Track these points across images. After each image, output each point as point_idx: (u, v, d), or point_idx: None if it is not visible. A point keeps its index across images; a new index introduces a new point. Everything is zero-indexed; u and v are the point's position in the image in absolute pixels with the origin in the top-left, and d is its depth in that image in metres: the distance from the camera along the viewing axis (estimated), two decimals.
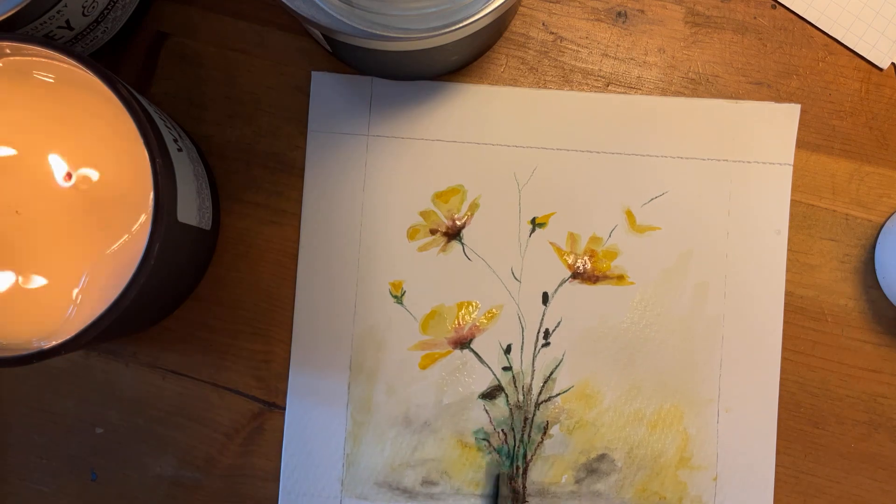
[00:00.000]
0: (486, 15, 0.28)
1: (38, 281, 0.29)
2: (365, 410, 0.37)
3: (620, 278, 0.37)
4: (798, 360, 0.37)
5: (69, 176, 0.29)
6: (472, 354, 0.37)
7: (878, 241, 0.37)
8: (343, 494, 0.36)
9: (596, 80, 0.38)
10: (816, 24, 0.38)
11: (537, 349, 0.37)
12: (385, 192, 0.37)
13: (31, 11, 0.29)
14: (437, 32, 0.28)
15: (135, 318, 0.32)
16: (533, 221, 0.37)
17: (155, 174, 0.27)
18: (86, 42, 0.34)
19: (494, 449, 0.37)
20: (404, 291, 0.37)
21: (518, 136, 0.37)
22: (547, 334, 0.37)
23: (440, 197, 0.37)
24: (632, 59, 0.38)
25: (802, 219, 0.38)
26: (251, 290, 0.37)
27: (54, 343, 0.27)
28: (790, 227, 0.37)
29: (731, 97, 0.38)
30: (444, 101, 0.37)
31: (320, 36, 0.32)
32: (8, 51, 0.28)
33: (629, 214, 0.37)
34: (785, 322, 0.37)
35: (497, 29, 0.36)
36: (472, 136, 0.37)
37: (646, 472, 0.37)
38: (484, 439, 0.37)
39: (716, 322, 0.37)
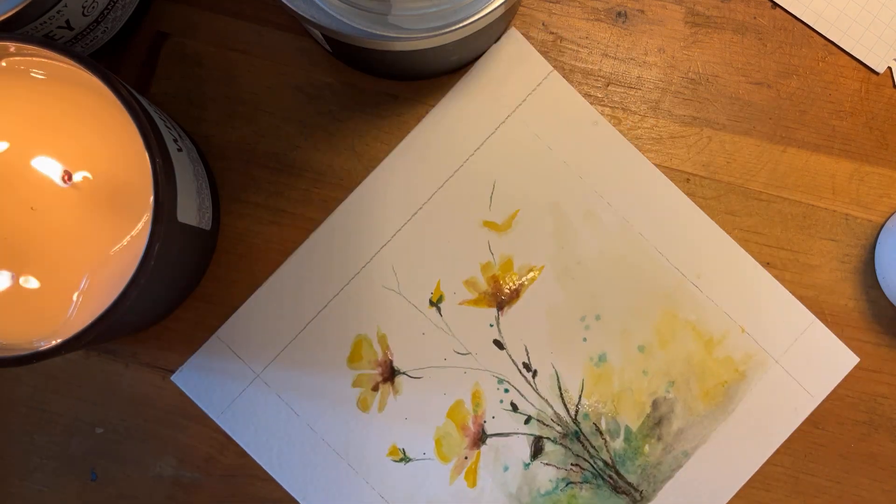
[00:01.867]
0: (486, 15, 0.28)
1: (38, 281, 0.29)
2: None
3: (531, 272, 0.37)
4: None
5: (68, 176, 0.29)
6: (495, 439, 0.36)
7: (878, 241, 0.37)
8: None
9: (596, 80, 0.38)
10: (814, 27, 0.38)
11: (533, 384, 0.37)
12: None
13: (31, 11, 0.29)
14: (437, 32, 0.28)
15: (135, 318, 0.32)
16: (431, 302, 0.37)
17: (155, 174, 0.27)
18: (86, 42, 0.34)
19: (582, 482, 0.36)
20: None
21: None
22: (528, 366, 0.37)
23: (351, 358, 0.37)
24: (632, 59, 0.38)
25: (802, 219, 0.38)
26: (251, 290, 0.37)
27: (54, 343, 0.27)
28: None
29: (731, 97, 0.38)
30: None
31: (320, 36, 0.32)
32: (12, 49, 0.28)
33: (488, 223, 0.37)
34: None
35: (497, 29, 0.36)
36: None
37: (695, 380, 0.36)
38: (568, 484, 0.36)
39: (628, 230, 0.37)
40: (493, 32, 0.36)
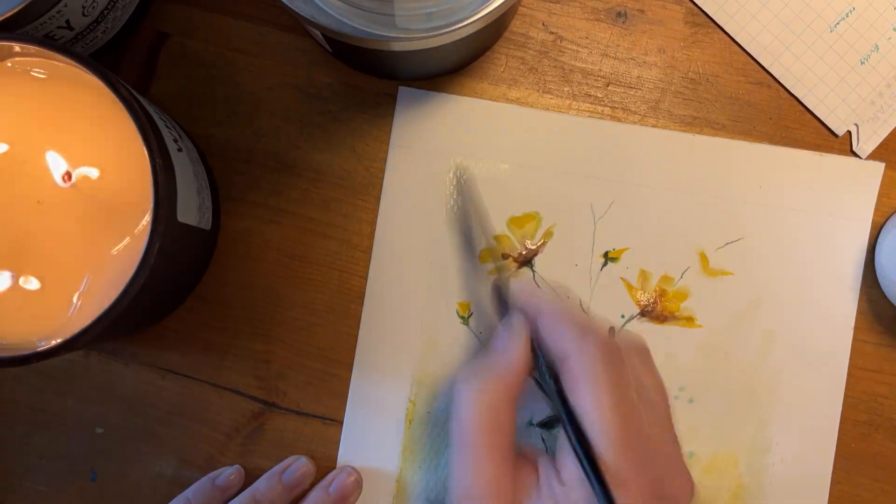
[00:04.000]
0: (486, 15, 0.28)
1: (39, 281, 0.29)
2: (422, 427, 0.36)
3: (689, 320, 0.37)
4: None
5: (69, 176, 0.29)
6: (533, 383, 0.36)
7: (878, 241, 0.37)
8: None
9: (596, 80, 0.38)
10: (780, 80, 0.37)
11: None
12: (462, 213, 0.37)
13: (31, 11, 0.29)
14: (437, 32, 0.28)
15: (135, 318, 0.32)
16: (606, 255, 0.37)
17: (155, 174, 0.27)
18: (86, 42, 0.34)
19: None
20: (471, 313, 0.37)
21: (598, 168, 0.37)
22: None
23: (515, 222, 0.37)
24: (632, 59, 0.38)
25: None
26: (251, 290, 0.37)
27: (54, 343, 0.27)
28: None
29: (731, 97, 0.38)
30: (527, 127, 0.37)
31: (320, 36, 0.32)
32: (17, 49, 0.28)
33: (703, 257, 0.37)
34: None
35: (497, 29, 0.36)
36: (552, 164, 0.37)
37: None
38: None
39: (779, 373, 0.37)
40: (493, 32, 0.36)
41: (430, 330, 0.37)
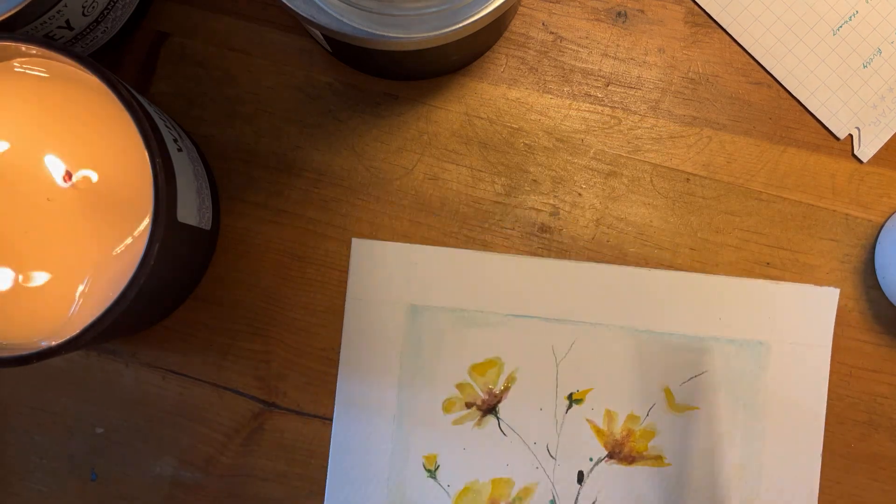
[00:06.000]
0: (486, 15, 0.28)
1: (39, 281, 0.29)
2: None
3: (657, 459, 0.37)
4: None
5: (69, 176, 0.29)
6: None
7: (878, 241, 0.37)
8: None
9: (596, 80, 0.38)
10: (783, 83, 0.37)
11: None
12: (422, 363, 0.37)
13: (31, 11, 0.29)
14: (437, 32, 0.28)
15: (135, 318, 0.32)
16: (570, 397, 0.37)
17: (155, 174, 0.27)
18: (86, 42, 0.34)
19: None
20: (438, 465, 0.36)
21: (557, 308, 0.37)
22: None
23: (476, 369, 0.37)
24: (632, 59, 0.38)
25: (802, 219, 0.38)
26: (251, 290, 0.37)
27: (55, 343, 0.27)
28: None
29: (731, 97, 0.38)
30: (484, 271, 0.37)
31: (320, 36, 0.32)
32: (22, 49, 0.28)
33: (668, 392, 0.37)
34: None
35: (497, 29, 0.36)
36: (511, 307, 0.37)
37: None
38: None
39: None
40: (493, 32, 0.36)
41: (397, 487, 0.36)
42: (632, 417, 0.37)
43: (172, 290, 0.35)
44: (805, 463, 0.37)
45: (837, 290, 0.37)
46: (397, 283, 0.37)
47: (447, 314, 0.37)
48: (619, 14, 0.38)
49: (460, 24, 0.28)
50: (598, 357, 0.37)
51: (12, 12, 0.28)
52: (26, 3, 0.28)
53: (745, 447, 0.37)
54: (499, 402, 0.37)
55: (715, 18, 0.38)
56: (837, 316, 0.38)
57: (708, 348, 0.37)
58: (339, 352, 0.37)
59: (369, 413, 0.37)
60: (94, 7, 0.32)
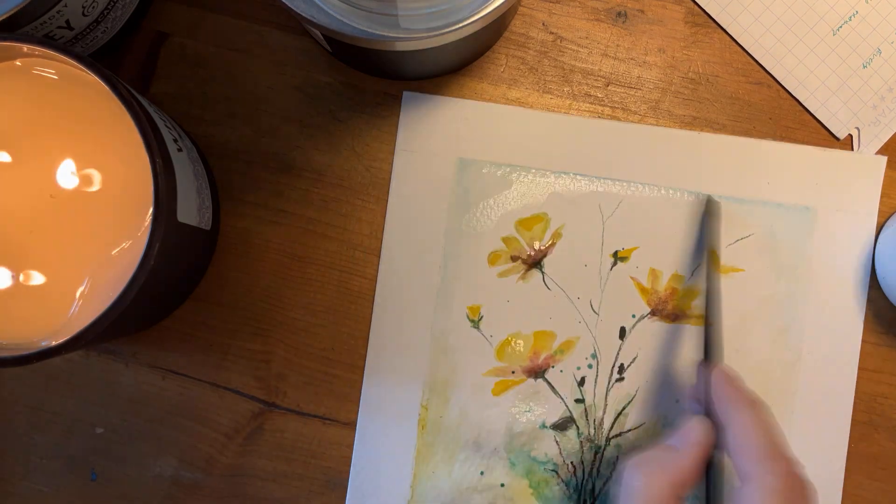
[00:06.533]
0: (486, 15, 0.28)
1: (39, 281, 0.29)
2: (435, 431, 0.36)
3: (700, 318, 0.37)
4: None
5: (69, 176, 0.29)
6: (545, 384, 0.36)
7: (879, 241, 0.37)
8: None
9: (596, 79, 0.38)
10: (782, 83, 0.37)
11: (611, 383, 0.36)
12: (469, 215, 0.37)
13: (31, 11, 0.29)
14: (437, 32, 0.28)
15: (135, 318, 0.32)
16: (615, 255, 0.37)
17: (155, 174, 0.27)
18: (86, 42, 0.34)
19: (563, 481, 0.36)
20: (482, 316, 0.37)
21: (605, 167, 0.37)
22: (622, 369, 0.37)
23: (523, 224, 0.37)
24: (632, 59, 0.38)
25: None
26: (251, 290, 0.37)
27: (55, 343, 0.27)
28: None
29: (731, 97, 0.38)
30: (535, 128, 0.37)
31: (320, 36, 0.32)
32: (25, 49, 0.28)
33: (713, 254, 0.37)
34: None
35: (497, 29, 0.36)
36: (559, 164, 0.37)
37: None
38: (553, 470, 0.36)
39: (791, 368, 0.37)
40: (493, 32, 0.36)
41: (441, 334, 0.37)
42: (676, 277, 0.37)
43: (172, 290, 0.35)
44: (846, 327, 0.37)
45: (884, 158, 0.37)
46: (447, 136, 0.37)
47: (495, 168, 0.37)
48: (619, 14, 0.38)
49: (460, 25, 0.28)
50: (645, 217, 0.37)
51: (12, 12, 0.28)
52: (26, 2, 0.28)
53: (788, 310, 0.37)
54: (544, 256, 0.37)
55: (715, 18, 0.38)
56: None
57: (754, 212, 0.37)
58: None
59: (415, 260, 0.37)
60: (94, 7, 0.32)
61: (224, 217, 0.38)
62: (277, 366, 0.37)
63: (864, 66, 0.37)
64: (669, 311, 0.37)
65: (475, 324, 0.37)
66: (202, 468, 0.37)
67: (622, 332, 0.37)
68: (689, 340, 0.37)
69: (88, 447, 0.37)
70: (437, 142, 0.37)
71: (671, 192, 0.37)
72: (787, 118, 0.38)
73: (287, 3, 0.28)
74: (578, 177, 0.37)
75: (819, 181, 0.37)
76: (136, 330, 0.36)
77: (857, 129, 0.37)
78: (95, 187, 0.29)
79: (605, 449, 0.36)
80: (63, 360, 0.37)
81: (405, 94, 0.37)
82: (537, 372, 0.36)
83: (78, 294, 0.29)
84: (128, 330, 0.35)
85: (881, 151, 0.38)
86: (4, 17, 0.28)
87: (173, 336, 0.37)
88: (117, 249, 0.29)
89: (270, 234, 0.37)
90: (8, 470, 0.37)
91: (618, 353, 0.37)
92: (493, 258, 0.37)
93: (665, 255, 0.37)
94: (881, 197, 0.38)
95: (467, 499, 0.36)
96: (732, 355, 0.37)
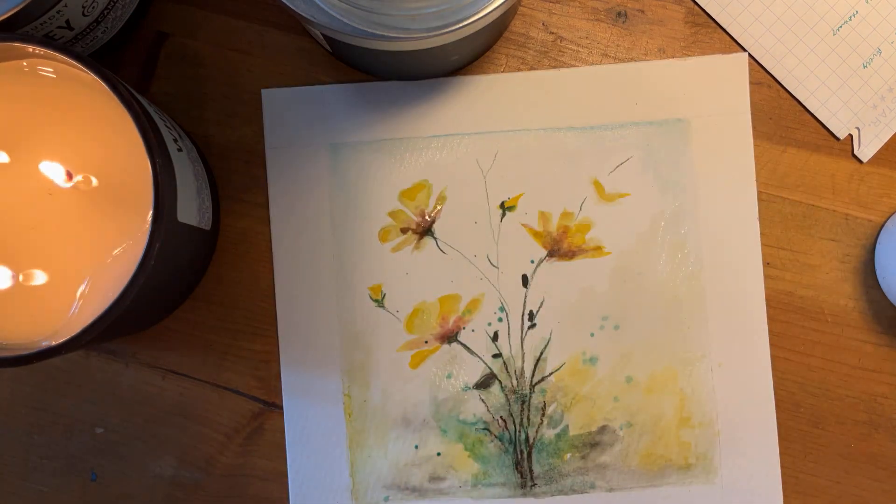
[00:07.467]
0: (486, 15, 0.28)
1: (39, 281, 0.29)
2: (362, 417, 0.37)
3: (597, 250, 0.37)
4: (798, 360, 0.37)
5: (69, 176, 0.29)
6: (460, 347, 0.37)
7: (878, 241, 0.37)
8: (353, 503, 0.36)
9: None
10: (782, 83, 0.37)
11: (524, 332, 0.37)
12: (351, 197, 0.37)
13: (31, 11, 0.29)
14: (437, 32, 0.28)
15: (135, 318, 0.32)
16: (502, 206, 0.37)
17: (155, 174, 0.27)
18: (86, 42, 0.34)
19: (496, 437, 0.37)
20: (384, 294, 0.37)
21: (475, 122, 0.37)
22: (532, 316, 0.37)
23: (406, 195, 0.37)
24: (632, 59, 0.38)
25: (802, 219, 0.38)
26: (251, 290, 0.37)
27: (55, 343, 0.27)
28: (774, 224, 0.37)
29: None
30: (397, 99, 0.37)
31: (320, 36, 0.32)
32: (24, 49, 0.28)
33: (597, 184, 0.37)
34: (785, 322, 0.37)
35: (497, 29, 0.36)
36: (429, 129, 0.37)
37: (648, 438, 0.37)
38: (484, 429, 0.37)
39: (696, 279, 0.37)
40: (493, 32, 0.36)
41: (348, 321, 0.37)
42: (566, 214, 0.37)
43: (172, 290, 0.35)
44: (742, 225, 0.37)
45: (745, 55, 0.37)
46: (314, 126, 0.37)
47: (368, 146, 0.37)
48: (619, 14, 0.38)
49: (460, 24, 0.28)
50: (523, 162, 0.37)
51: (12, 12, 0.28)
52: (26, 2, 0.28)
53: (682, 223, 0.37)
54: (433, 222, 0.37)
55: (715, 18, 0.38)
56: (837, 315, 0.38)
57: (629, 135, 0.37)
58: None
59: (308, 256, 0.37)
60: (94, 7, 0.32)
61: (224, 217, 0.38)
62: (277, 366, 0.37)
63: (865, 66, 0.37)
64: (566, 250, 0.37)
65: (379, 303, 0.37)
66: (202, 468, 0.37)
67: (525, 280, 0.37)
68: (592, 274, 0.37)
69: (88, 447, 0.37)
70: (305, 132, 0.37)
71: (544, 132, 0.37)
72: (787, 118, 0.38)
73: (287, 3, 0.28)
74: (451, 136, 0.37)
75: (686, 91, 0.37)
76: (136, 330, 0.36)
77: (858, 128, 0.37)
78: (95, 187, 0.29)
79: (530, 397, 0.37)
80: (63, 360, 0.37)
81: (264, 92, 0.37)
82: (450, 336, 0.37)
83: (78, 294, 0.29)
84: (128, 330, 0.35)
85: (881, 151, 0.38)
86: (4, 17, 0.28)
87: (173, 336, 0.37)
88: (117, 249, 0.29)
89: (270, 234, 0.37)
90: (8, 470, 0.37)
91: (525, 301, 0.37)
92: (384, 234, 0.37)
93: (550, 195, 0.37)
94: (881, 198, 0.38)
95: (407, 475, 0.36)
96: (636, 279, 0.37)
